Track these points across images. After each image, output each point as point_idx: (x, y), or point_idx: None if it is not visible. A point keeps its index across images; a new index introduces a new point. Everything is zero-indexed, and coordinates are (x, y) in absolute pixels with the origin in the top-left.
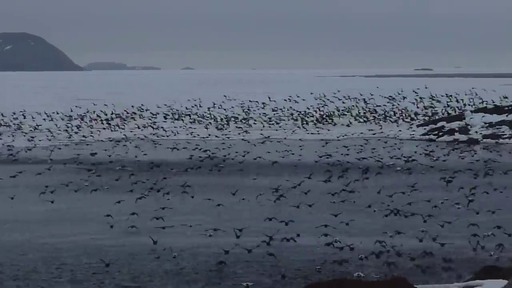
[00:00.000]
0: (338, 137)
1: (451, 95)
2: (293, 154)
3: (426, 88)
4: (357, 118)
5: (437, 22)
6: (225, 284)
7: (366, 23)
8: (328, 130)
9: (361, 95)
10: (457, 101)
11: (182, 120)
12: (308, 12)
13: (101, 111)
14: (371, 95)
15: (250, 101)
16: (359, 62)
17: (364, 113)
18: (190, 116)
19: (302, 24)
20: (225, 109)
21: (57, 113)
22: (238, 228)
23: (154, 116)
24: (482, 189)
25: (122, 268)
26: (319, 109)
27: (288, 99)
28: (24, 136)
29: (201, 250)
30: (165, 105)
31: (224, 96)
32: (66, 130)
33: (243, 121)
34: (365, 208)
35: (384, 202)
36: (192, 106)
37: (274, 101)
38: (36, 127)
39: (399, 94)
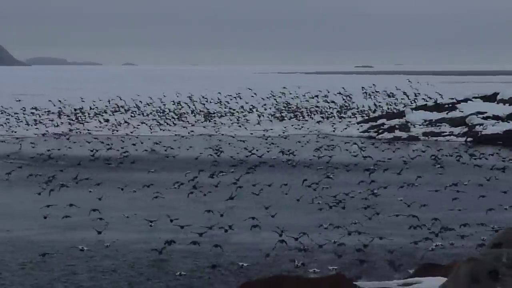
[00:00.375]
0: (279, 135)
1: (392, 93)
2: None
3: (373, 86)
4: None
5: (377, 20)
6: (164, 279)
7: (306, 21)
8: (270, 128)
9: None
10: (393, 96)
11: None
12: (249, 9)
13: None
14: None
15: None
16: (300, 60)
17: (296, 110)
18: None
19: (243, 22)
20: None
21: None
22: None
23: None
24: (420, 186)
25: (57, 264)
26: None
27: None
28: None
29: (138, 245)
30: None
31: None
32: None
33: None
34: (296, 202)
35: (317, 197)
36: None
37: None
38: None
39: (346, 91)
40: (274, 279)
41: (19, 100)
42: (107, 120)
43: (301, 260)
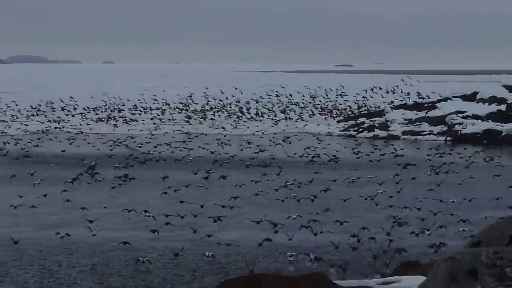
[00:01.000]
0: (254, 134)
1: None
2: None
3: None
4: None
5: (357, 19)
6: (143, 280)
7: (286, 19)
8: (247, 127)
9: (282, 87)
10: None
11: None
12: (228, 7)
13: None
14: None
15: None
16: (279, 58)
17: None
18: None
19: (223, 19)
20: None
21: None
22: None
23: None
24: (401, 184)
25: (33, 262)
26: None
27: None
28: None
29: (117, 244)
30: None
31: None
32: None
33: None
34: (276, 200)
35: (295, 196)
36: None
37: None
38: None
39: (327, 90)
40: (253, 278)
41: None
42: (85, 116)
43: (280, 259)
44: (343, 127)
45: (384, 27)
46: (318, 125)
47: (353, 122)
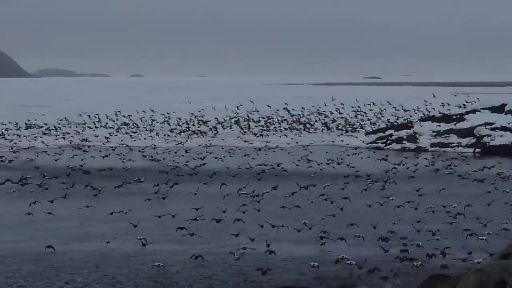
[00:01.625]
0: (288, 144)
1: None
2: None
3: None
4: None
5: (384, 31)
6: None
7: (313, 31)
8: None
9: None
10: (404, 110)
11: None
12: (256, 19)
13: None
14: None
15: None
16: (307, 71)
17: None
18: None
19: (249, 32)
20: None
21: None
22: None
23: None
24: (425, 196)
25: (61, 275)
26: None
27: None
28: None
29: (140, 258)
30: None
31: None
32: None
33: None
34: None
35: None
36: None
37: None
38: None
39: (357, 103)
40: None
41: (30, 112)
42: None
43: (300, 272)
44: (371, 139)
45: (412, 39)
46: (345, 137)
47: (381, 134)
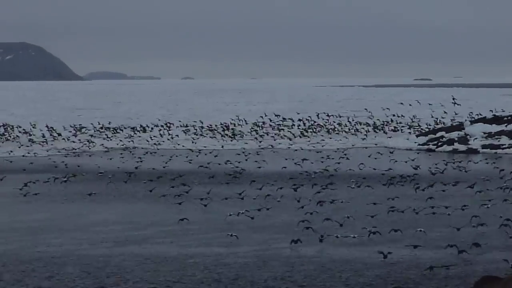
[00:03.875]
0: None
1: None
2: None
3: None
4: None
5: (436, 33)
6: None
7: (364, 33)
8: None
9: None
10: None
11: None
12: (306, 22)
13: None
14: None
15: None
16: (357, 73)
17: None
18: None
19: (300, 35)
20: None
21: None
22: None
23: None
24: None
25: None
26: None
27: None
28: (21, 145)
29: (193, 260)
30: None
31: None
32: (64, 139)
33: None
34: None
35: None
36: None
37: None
38: (33, 136)
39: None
40: None
41: (80, 115)
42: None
43: (357, 274)
44: (422, 140)
45: (463, 41)
46: (394, 139)
47: (432, 136)
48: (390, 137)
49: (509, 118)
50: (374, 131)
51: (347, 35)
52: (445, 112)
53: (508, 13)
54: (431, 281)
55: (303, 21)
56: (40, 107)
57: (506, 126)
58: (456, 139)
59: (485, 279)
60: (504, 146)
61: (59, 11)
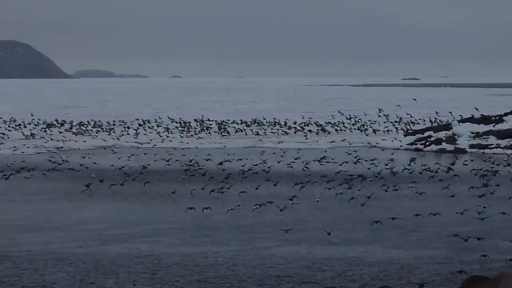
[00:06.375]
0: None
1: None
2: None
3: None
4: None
5: (422, 32)
6: None
7: (351, 33)
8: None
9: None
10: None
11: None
12: (292, 20)
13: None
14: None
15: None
16: (344, 72)
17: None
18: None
19: (287, 34)
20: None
21: (43, 121)
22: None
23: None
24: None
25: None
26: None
27: None
28: (6, 143)
29: (183, 259)
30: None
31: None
32: (47, 137)
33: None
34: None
35: (362, 211)
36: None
37: None
38: (23, 134)
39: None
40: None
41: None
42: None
43: (358, 273)
44: (410, 140)
45: (452, 41)
46: (383, 139)
47: (420, 135)
48: (377, 136)
49: (497, 118)
50: (362, 130)
51: (335, 35)
52: (437, 113)
53: (498, 14)
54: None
55: (292, 21)
56: (26, 105)
57: (494, 126)
58: (444, 138)
59: (473, 279)
60: (491, 146)
61: (47, 9)
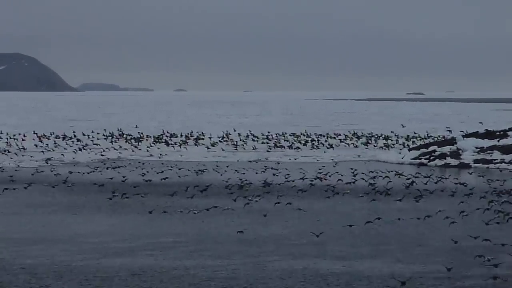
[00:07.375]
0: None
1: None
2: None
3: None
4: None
5: (429, 46)
6: None
7: (356, 47)
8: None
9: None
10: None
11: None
12: (297, 35)
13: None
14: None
15: None
16: (349, 86)
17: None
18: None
19: (293, 48)
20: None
21: (51, 134)
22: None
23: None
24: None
25: None
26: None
27: None
28: (11, 156)
29: (184, 272)
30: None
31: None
32: (53, 150)
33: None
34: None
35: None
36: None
37: None
38: (23, 147)
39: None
40: None
41: (72, 126)
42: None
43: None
44: (414, 154)
45: (456, 55)
46: (385, 153)
47: (424, 150)
48: (382, 151)
49: (502, 133)
50: (366, 144)
51: (340, 49)
52: (448, 129)
53: (502, 28)
54: None
55: (296, 35)
56: (32, 118)
57: (498, 141)
58: (448, 153)
59: None
60: (496, 161)
61: (52, 22)
